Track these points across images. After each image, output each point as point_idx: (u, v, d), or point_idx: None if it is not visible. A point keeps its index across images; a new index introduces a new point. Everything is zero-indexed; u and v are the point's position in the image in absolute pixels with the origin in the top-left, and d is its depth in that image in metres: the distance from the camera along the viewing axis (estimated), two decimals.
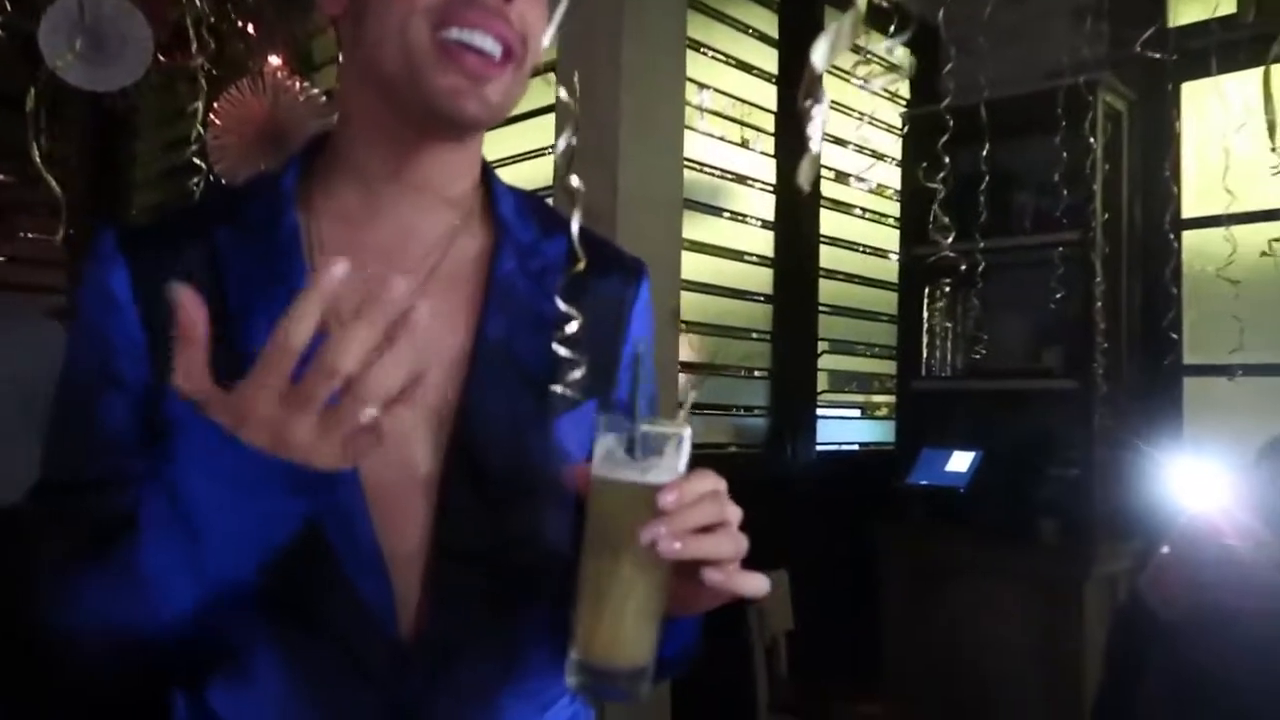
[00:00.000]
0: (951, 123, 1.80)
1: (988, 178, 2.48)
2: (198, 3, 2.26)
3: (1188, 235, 2.98)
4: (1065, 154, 2.70)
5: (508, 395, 0.73)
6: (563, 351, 0.72)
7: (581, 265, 0.77)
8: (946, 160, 1.95)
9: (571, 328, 0.75)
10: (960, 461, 2.99)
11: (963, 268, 2.74)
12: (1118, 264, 2.97)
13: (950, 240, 2.15)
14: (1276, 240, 2.06)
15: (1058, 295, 2.65)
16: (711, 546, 0.60)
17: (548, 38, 0.77)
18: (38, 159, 1.78)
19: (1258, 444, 1.64)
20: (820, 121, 0.67)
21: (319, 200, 0.77)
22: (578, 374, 0.75)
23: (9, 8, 2.37)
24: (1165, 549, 1.19)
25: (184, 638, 0.62)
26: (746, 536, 0.64)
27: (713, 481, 0.62)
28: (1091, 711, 1.27)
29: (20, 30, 2.65)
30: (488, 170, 0.84)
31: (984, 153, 2.42)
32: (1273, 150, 1.44)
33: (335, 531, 0.68)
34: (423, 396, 0.61)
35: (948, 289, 3.19)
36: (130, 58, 2.14)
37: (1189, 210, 2.99)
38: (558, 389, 0.75)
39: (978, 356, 3.06)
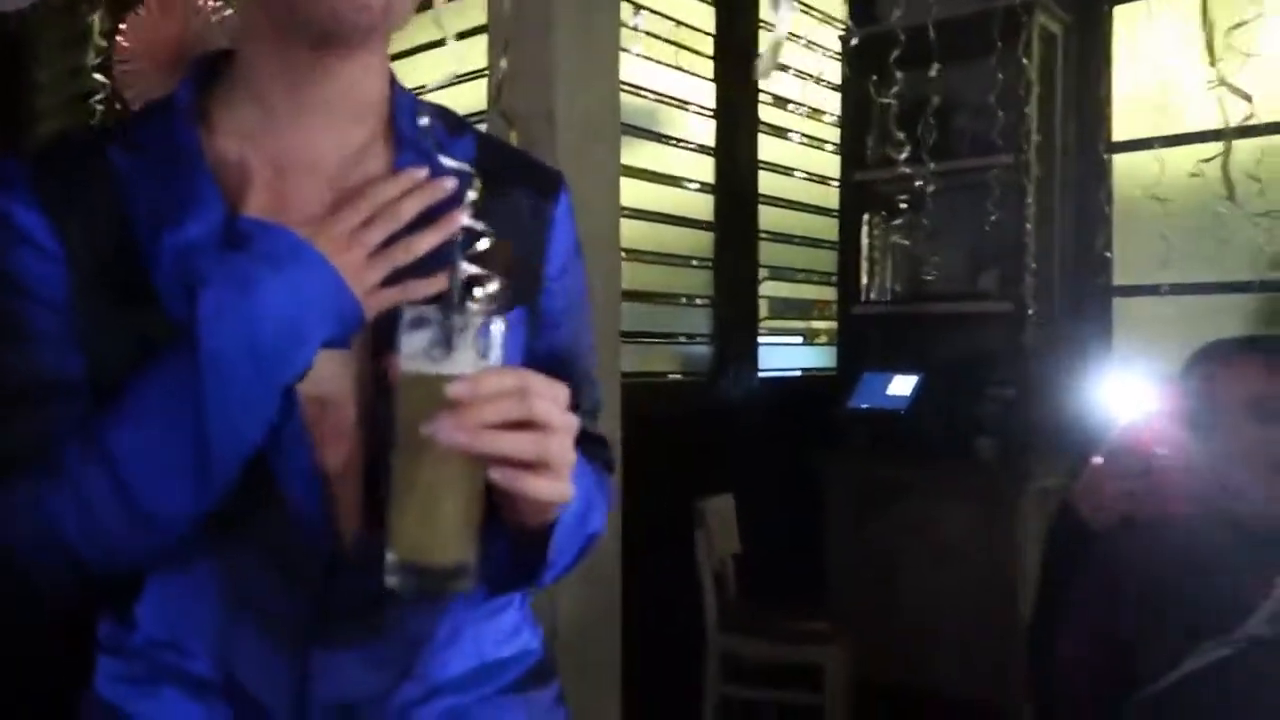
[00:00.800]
0: (902, 39, 1.78)
1: (929, 101, 2.48)
2: None
3: (1118, 159, 3.03)
4: (1000, 76, 2.71)
5: (425, 302, 0.70)
6: (471, 269, 0.68)
7: (474, 193, 0.73)
8: (899, 75, 1.94)
9: (482, 244, 0.72)
10: (902, 385, 3.04)
11: (903, 190, 2.76)
12: (1050, 186, 3.01)
13: (901, 159, 2.15)
14: (1205, 161, 2.09)
15: (991, 218, 2.68)
16: (498, 443, 0.58)
17: None
18: None
19: (1184, 359, 1.69)
20: (785, 11, 0.64)
21: (220, 116, 0.74)
22: (492, 288, 0.71)
23: None
24: (1096, 460, 1.23)
25: (166, 529, 0.65)
26: (573, 448, 0.62)
27: (516, 378, 0.60)
28: (1030, 619, 1.31)
29: None
30: (394, 85, 0.80)
31: (926, 75, 2.41)
32: (1211, 65, 1.45)
33: (269, 444, 0.66)
34: None
35: (887, 214, 3.20)
36: None
37: (1120, 133, 3.03)
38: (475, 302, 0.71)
39: (929, 278, 3.09)
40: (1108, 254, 2.65)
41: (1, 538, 0.64)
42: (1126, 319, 3.09)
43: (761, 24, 3.16)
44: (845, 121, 3.39)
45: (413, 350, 0.59)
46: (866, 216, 3.25)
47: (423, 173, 0.71)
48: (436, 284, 0.69)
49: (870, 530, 3.01)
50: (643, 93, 2.77)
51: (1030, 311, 2.77)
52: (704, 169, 3.02)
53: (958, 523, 2.83)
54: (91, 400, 0.67)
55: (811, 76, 3.43)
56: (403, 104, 0.79)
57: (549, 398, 0.60)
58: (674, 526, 2.55)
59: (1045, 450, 2.82)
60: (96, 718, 0.73)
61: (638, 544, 2.28)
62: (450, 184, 0.71)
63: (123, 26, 2.19)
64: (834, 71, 3.45)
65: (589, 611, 2.16)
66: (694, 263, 3.01)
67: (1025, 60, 2.74)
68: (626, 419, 1.95)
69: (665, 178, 2.86)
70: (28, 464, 0.64)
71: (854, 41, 3.10)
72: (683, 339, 3.05)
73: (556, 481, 0.61)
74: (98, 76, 1.99)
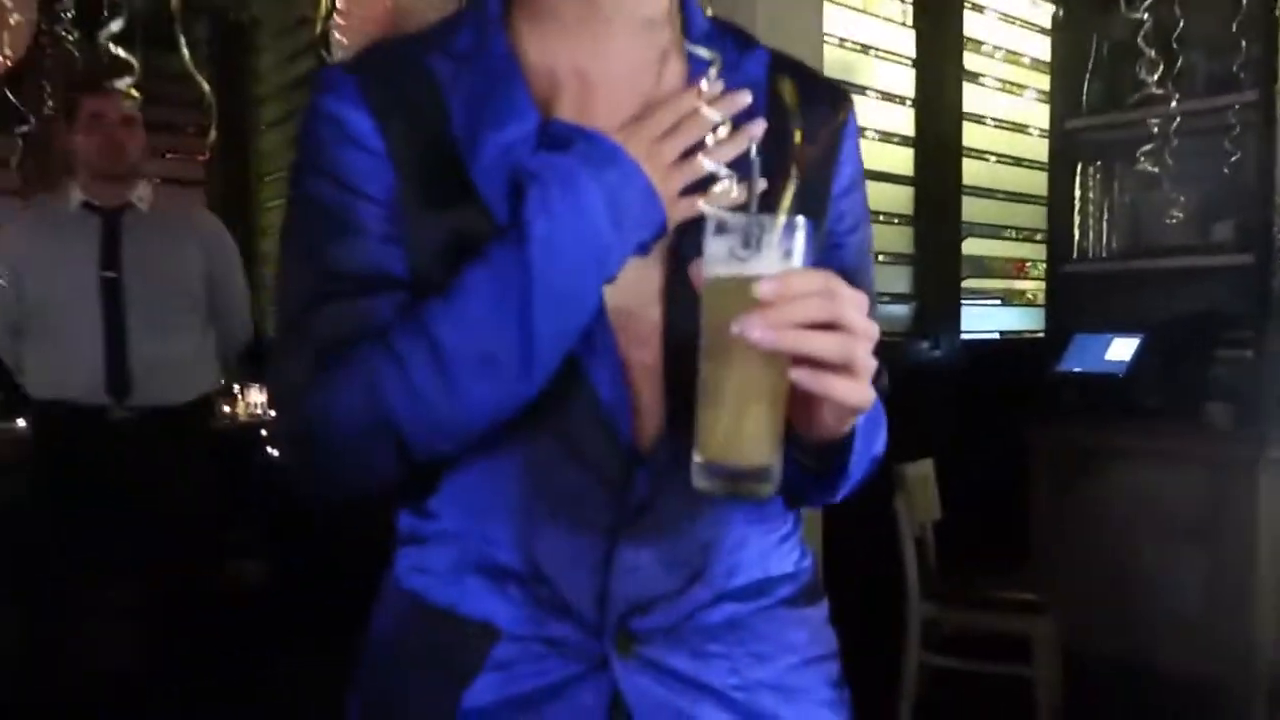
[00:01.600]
0: None
1: (1156, 35, 2.28)
2: None
3: None
4: (1243, 3, 2.46)
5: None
6: (713, 167, 0.69)
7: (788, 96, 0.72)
8: (1123, 9, 1.79)
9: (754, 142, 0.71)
10: (1121, 347, 2.84)
11: (1125, 139, 2.56)
12: None
13: (1108, 108, 1.98)
14: None
15: (1233, 159, 2.44)
16: (807, 342, 0.57)
17: None
18: (191, 68, 1.79)
19: None
20: None
21: (523, 28, 0.77)
22: (792, 190, 0.70)
23: None
24: None
25: (490, 411, 0.67)
26: (876, 363, 0.61)
27: (824, 280, 0.59)
28: None
29: None
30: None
31: (1151, 9, 2.21)
32: None
33: (580, 342, 0.69)
34: None
35: (1104, 164, 2.98)
36: None
37: None
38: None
39: (1155, 230, 2.85)
40: None
41: (338, 408, 0.67)
42: None
43: None
44: (1056, 67, 3.17)
45: (718, 253, 0.59)
46: (1080, 167, 3.03)
47: (719, 84, 0.71)
48: (731, 195, 0.69)
49: (1084, 499, 2.83)
50: (845, 44, 2.68)
51: (1275, 263, 2.52)
52: (904, 121, 2.91)
53: (1185, 493, 2.62)
54: (410, 290, 0.70)
55: (1020, 20, 3.23)
56: (693, 17, 0.79)
57: (853, 302, 0.59)
58: (873, 490, 2.48)
59: None
60: (399, 606, 0.77)
61: (836, 507, 2.23)
62: (746, 98, 0.70)
63: (339, 6, 2.30)
64: (1042, 15, 3.23)
65: None
66: (895, 220, 2.91)
67: None
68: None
69: (865, 131, 2.77)
70: (359, 348, 0.67)
71: None
72: (883, 298, 2.96)
73: (859, 385, 0.60)
74: (324, 54, 2.11)
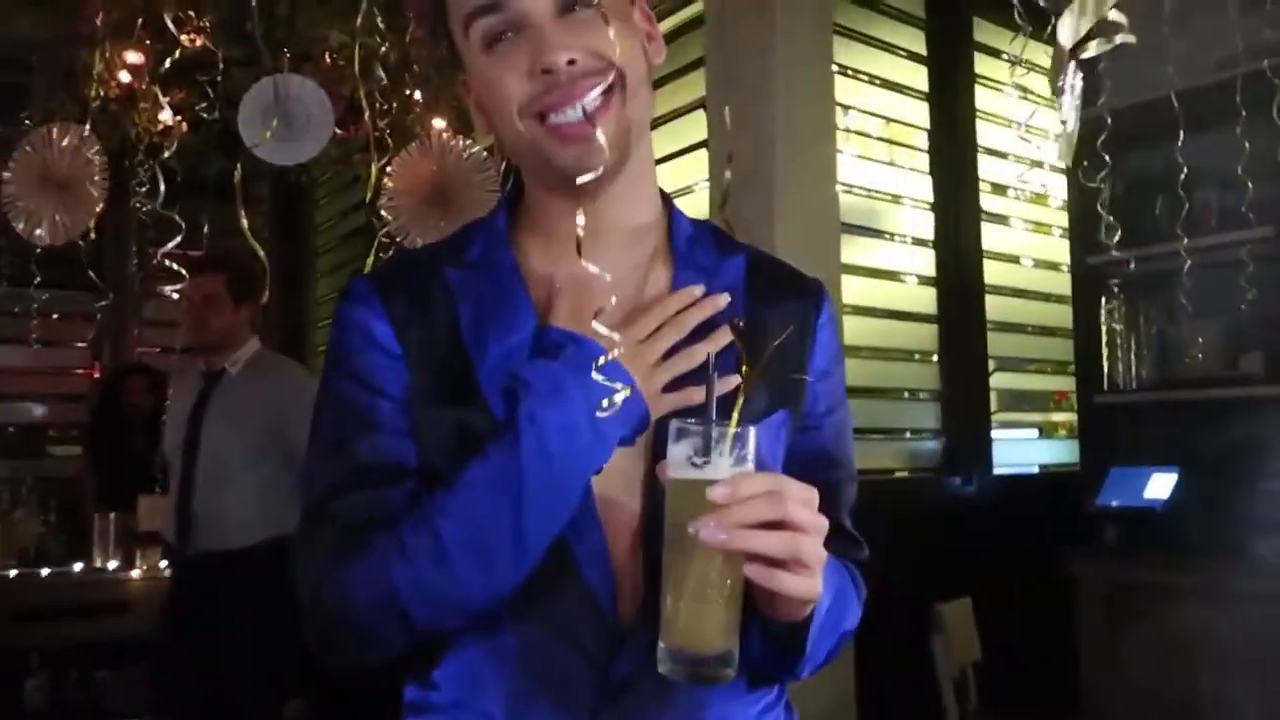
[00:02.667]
0: (1120, 121, 1.73)
1: (1168, 176, 2.36)
2: (372, 76, 2.44)
3: None
4: (1248, 145, 2.54)
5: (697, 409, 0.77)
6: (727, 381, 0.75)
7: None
8: (1109, 159, 1.88)
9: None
10: (1160, 481, 2.81)
11: (1143, 273, 2.61)
12: None
13: (1130, 242, 2.05)
14: None
15: (1249, 296, 2.47)
16: (756, 541, 0.63)
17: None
18: (247, 231, 1.95)
19: None
20: (1074, 99, 0.68)
21: (524, 239, 0.87)
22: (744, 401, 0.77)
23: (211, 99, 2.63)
24: None
25: (491, 596, 0.73)
26: (824, 548, 0.67)
27: (771, 482, 0.66)
28: None
29: (210, 122, 2.93)
30: (667, 200, 0.90)
31: (1164, 149, 2.30)
32: None
33: (569, 530, 0.75)
34: None
35: (1125, 297, 3.03)
36: (315, 133, 2.33)
37: None
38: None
39: (1188, 360, 2.87)
40: None
41: (353, 596, 0.74)
42: None
43: (979, 114, 3.14)
44: (1074, 204, 3.26)
45: (678, 457, 0.66)
46: (1104, 301, 3.08)
47: (699, 289, 0.81)
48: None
49: (1129, 637, 2.75)
50: (859, 191, 2.81)
51: None
52: (925, 262, 3.00)
53: (1234, 629, 2.54)
54: (419, 481, 0.78)
55: (1035, 162, 3.35)
56: (678, 225, 0.88)
57: (800, 500, 0.66)
58: (909, 631, 2.46)
59: None
60: None
61: (871, 650, 2.21)
62: (724, 300, 0.81)
63: (389, 169, 2.47)
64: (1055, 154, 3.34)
65: (824, 718, 2.11)
66: (917, 357, 2.96)
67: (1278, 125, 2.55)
68: (853, 517, 1.93)
69: (886, 273, 2.86)
70: (375, 534, 0.74)
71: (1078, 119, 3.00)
72: (909, 434, 2.98)
73: (807, 579, 0.66)
74: (383, 214, 2.27)
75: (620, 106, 0.79)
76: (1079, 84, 0.74)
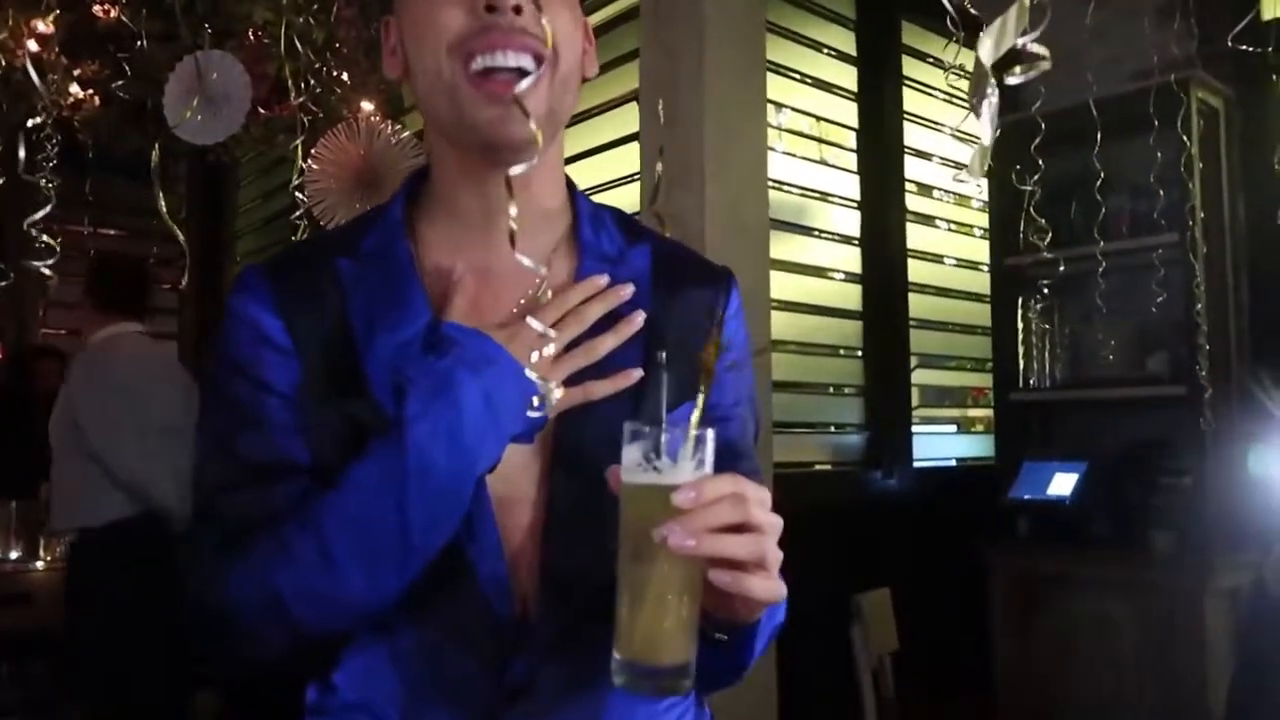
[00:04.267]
0: (1044, 126, 1.78)
1: (1083, 182, 2.44)
2: (297, 55, 2.38)
3: None
4: (1160, 154, 2.64)
5: (602, 401, 0.77)
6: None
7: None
8: (1040, 163, 1.94)
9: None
10: (1064, 477, 2.91)
11: (1058, 274, 2.70)
12: (1221, 264, 2.87)
13: (1047, 244, 2.12)
14: None
15: (1159, 299, 2.57)
16: (724, 546, 0.62)
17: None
18: (164, 213, 1.89)
19: None
20: (990, 115, 0.69)
21: (424, 229, 0.84)
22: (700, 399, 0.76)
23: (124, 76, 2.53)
24: None
25: (377, 599, 0.71)
26: (780, 549, 0.65)
27: (732, 484, 0.63)
28: (1226, 707, 1.22)
29: (127, 99, 2.82)
30: (572, 188, 0.88)
31: (1081, 155, 2.38)
32: None
33: (464, 529, 0.73)
34: None
35: (1042, 298, 3.13)
36: (232, 111, 2.26)
37: None
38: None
39: (1093, 362, 2.97)
40: None
41: (234, 597, 0.72)
42: None
43: (906, 116, 3.20)
44: (994, 207, 3.35)
45: (635, 461, 0.64)
46: (1020, 300, 3.18)
47: (603, 279, 0.79)
48: (616, 384, 0.76)
49: (1039, 627, 2.85)
50: (789, 188, 2.84)
51: (1207, 395, 2.62)
52: (852, 260, 3.05)
53: (1133, 621, 2.65)
54: (309, 478, 0.76)
55: (955, 164, 3.43)
56: (583, 211, 0.86)
57: (759, 501, 0.64)
58: (828, 622, 2.50)
59: (1228, 545, 2.63)
60: None
61: (791, 640, 2.24)
62: (628, 290, 0.78)
63: (315, 151, 2.41)
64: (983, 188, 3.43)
65: (744, 711, 2.14)
66: (842, 352, 3.02)
67: (1185, 137, 2.66)
68: (777, 510, 1.96)
69: (814, 269, 2.90)
70: (258, 535, 0.72)
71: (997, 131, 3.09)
72: (833, 429, 3.03)
73: (770, 581, 0.64)
74: (298, 196, 2.22)
75: (548, 89, 0.77)
76: (995, 101, 0.75)
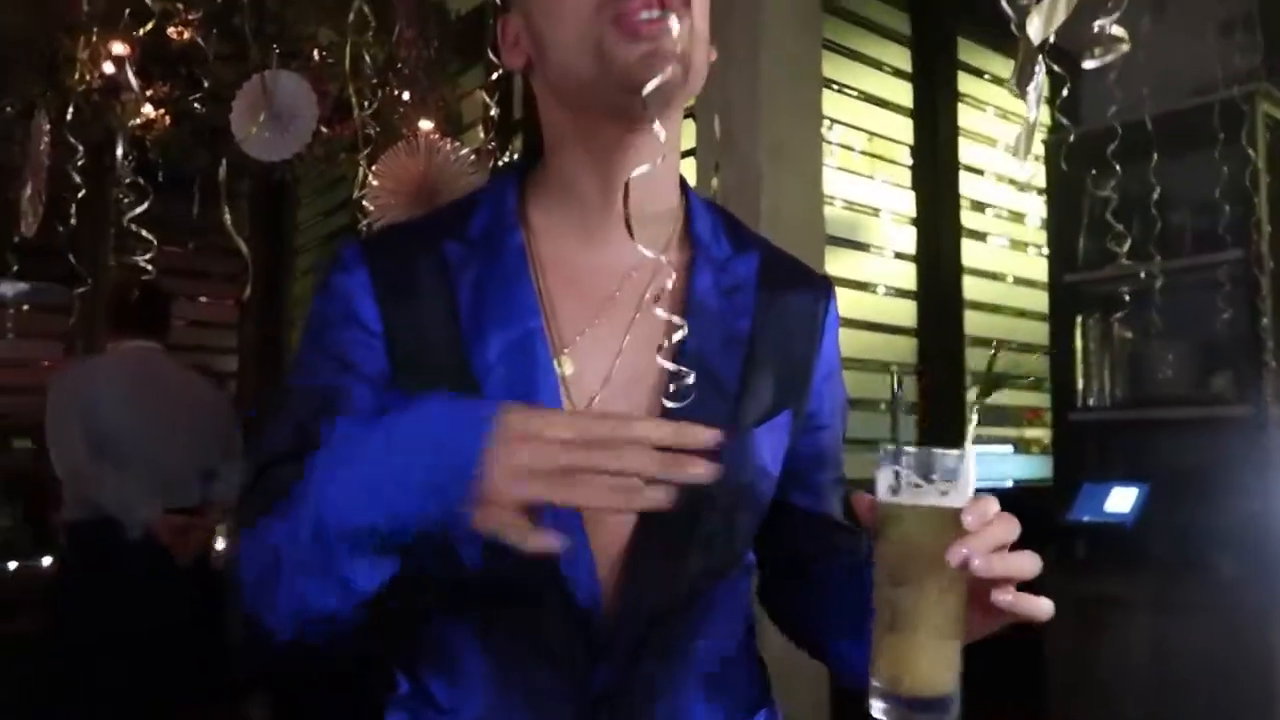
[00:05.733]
0: (1118, 134, 1.76)
1: (1153, 196, 2.40)
2: (360, 74, 2.44)
3: None
4: (1225, 169, 2.59)
5: (703, 407, 0.75)
6: (672, 366, 0.70)
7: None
8: (1117, 168, 1.91)
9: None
10: (1124, 496, 2.86)
11: (1118, 292, 2.66)
12: None
13: (1111, 260, 2.09)
14: None
15: (1224, 316, 2.52)
16: (1016, 564, 0.62)
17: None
18: (229, 226, 1.94)
19: None
20: (1036, 96, 0.70)
21: (537, 218, 0.82)
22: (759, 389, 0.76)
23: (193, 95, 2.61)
24: None
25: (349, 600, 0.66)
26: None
27: (995, 503, 0.63)
28: None
29: (193, 117, 2.91)
30: (685, 186, 0.87)
31: (1141, 171, 2.35)
32: None
33: (550, 526, 0.71)
34: (630, 406, 0.74)
35: (1102, 316, 3.08)
36: (299, 129, 2.32)
37: None
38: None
39: (1162, 378, 2.91)
40: None
41: (244, 559, 0.70)
42: None
43: (961, 132, 3.18)
44: (1052, 223, 3.31)
45: (908, 484, 0.62)
46: (1080, 319, 3.13)
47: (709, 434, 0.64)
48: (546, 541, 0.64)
49: (1097, 650, 2.79)
50: (844, 204, 2.84)
51: (1272, 415, 2.56)
52: (906, 276, 3.03)
53: (1199, 644, 2.58)
54: None
55: (1015, 181, 3.40)
56: (696, 208, 0.85)
57: (1010, 517, 0.63)
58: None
59: None
60: None
61: None
62: (707, 435, 0.62)
63: (375, 168, 2.47)
64: (1038, 174, 3.39)
65: None
66: (896, 368, 2.99)
67: (1251, 151, 2.61)
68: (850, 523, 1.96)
69: (868, 285, 2.89)
70: (269, 521, 0.69)
71: (1070, 138, 3.06)
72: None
73: (1041, 597, 0.65)
74: (359, 210, 2.27)
75: (689, 39, 0.74)
76: (1041, 81, 0.75)
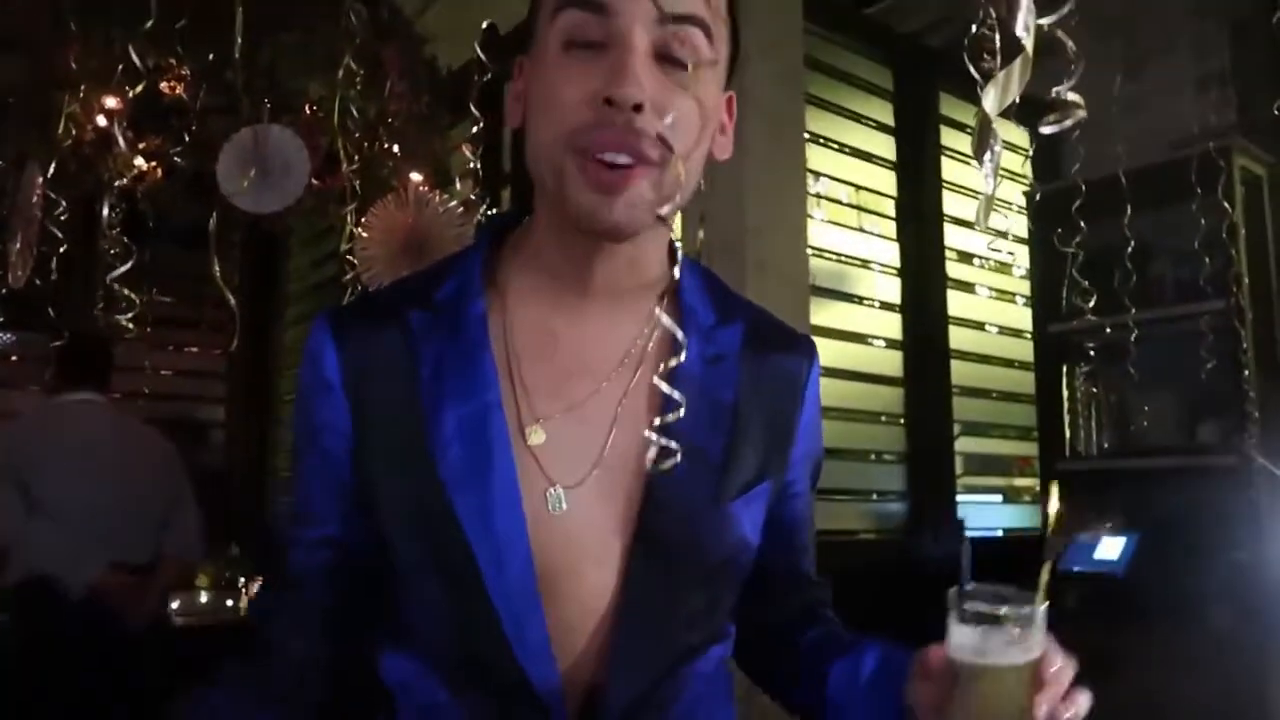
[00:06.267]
0: (1084, 190, 1.79)
1: (1128, 249, 2.43)
2: (350, 129, 2.46)
3: None
4: (1203, 221, 2.63)
5: (687, 481, 0.74)
6: (661, 440, 0.71)
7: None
8: (1083, 225, 1.94)
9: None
10: (1113, 546, 2.85)
11: (1103, 341, 2.68)
12: (1269, 331, 2.83)
13: (1091, 308, 2.12)
14: None
15: (1208, 366, 2.54)
16: (1083, 705, 0.67)
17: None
18: (218, 277, 1.94)
19: None
20: (993, 166, 0.71)
21: (512, 285, 0.80)
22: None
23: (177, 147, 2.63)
24: None
25: None
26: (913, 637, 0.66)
27: (1058, 647, 0.67)
28: None
29: (184, 169, 2.93)
30: (673, 252, 0.84)
31: (1123, 222, 2.38)
32: None
33: (505, 606, 0.71)
34: (617, 481, 0.73)
35: (1088, 365, 3.09)
36: (291, 182, 2.34)
37: None
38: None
39: (1146, 426, 2.93)
40: None
41: None
42: None
43: (945, 185, 3.22)
44: (1035, 274, 3.34)
45: (988, 639, 0.65)
46: (1066, 368, 3.14)
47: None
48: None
49: (1097, 701, 2.76)
50: (829, 255, 2.87)
51: (1258, 464, 2.56)
52: (892, 326, 3.05)
53: (1193, 697, 2.56)
54: (349, 542, 0.77)
55: (998, 232, 3.43)
56: (685, 274, 0.82)
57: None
58: None
59: None
60: None
61: None
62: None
63: (363, 219, 2.48)
64: (1020, 226, 3.44)
65: None
66: (884, 419, 3.00)
67: (1227, 204, 2.65)
68: (823, 573, 1.94)
69: (855, 336, 2.91)
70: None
71: (1038, 197, 3.10)
72: (875, 496, 3.00)
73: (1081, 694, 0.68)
74: (349, 259, 2.28)
75: (657, 183, 0.72)
76: (999, 151, 0.78)
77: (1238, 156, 2.74)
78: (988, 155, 0.73)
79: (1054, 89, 0.75)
